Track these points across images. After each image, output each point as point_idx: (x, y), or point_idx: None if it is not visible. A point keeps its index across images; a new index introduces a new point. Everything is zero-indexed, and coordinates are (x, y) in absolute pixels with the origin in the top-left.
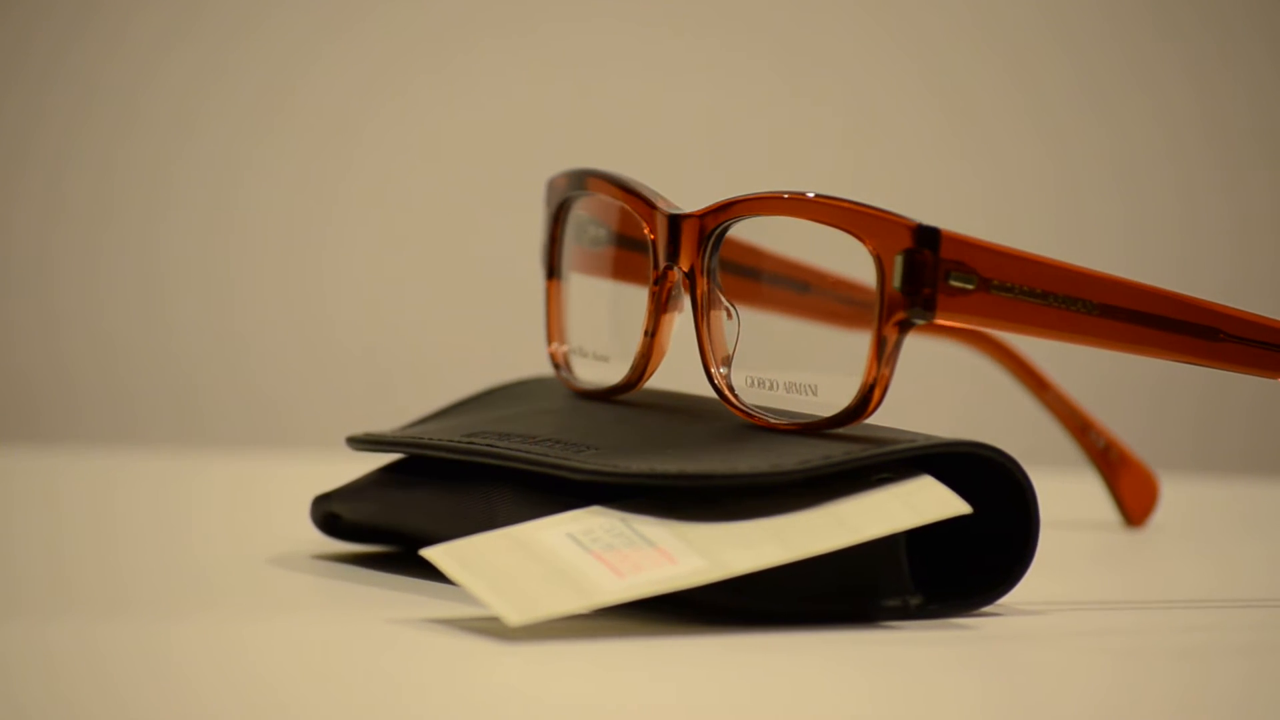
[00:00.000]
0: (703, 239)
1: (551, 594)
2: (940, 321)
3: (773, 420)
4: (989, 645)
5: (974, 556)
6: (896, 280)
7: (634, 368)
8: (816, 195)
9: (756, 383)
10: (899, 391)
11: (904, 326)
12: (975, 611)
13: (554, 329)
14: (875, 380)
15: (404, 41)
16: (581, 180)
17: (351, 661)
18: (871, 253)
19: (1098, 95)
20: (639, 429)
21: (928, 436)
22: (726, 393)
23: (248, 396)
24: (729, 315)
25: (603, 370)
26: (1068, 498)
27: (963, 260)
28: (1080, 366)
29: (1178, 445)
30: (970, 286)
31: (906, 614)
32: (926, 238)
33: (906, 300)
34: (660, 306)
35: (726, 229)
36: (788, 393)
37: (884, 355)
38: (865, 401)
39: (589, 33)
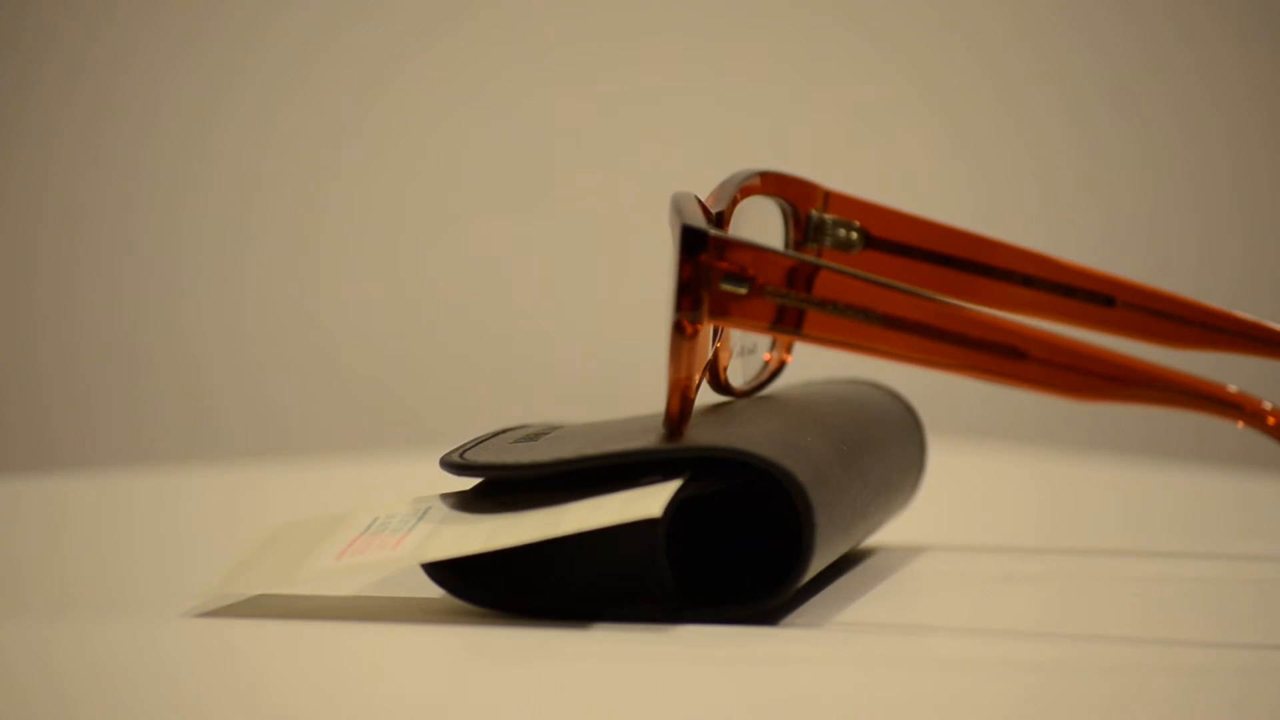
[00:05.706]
0: None
1: (267, 573)
2: (713, 324)
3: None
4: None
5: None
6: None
7: None
8: (678, 193)
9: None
10: None
11: (684, 328)
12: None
13: None
14: (674, 381)
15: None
16: None
17: (344, 664)
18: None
19: (1120, 93)
20: (604, 426)
21: (727, 442)
22: None
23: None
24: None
25: None
26: None
27: (735, 264)
28: None
29: None
30: (743, 291)
31: (661, 618)
32: (696, 240)
33: (679, 302)
34: None
35: None
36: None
37: (676, 357)
38: (678, 402)
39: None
